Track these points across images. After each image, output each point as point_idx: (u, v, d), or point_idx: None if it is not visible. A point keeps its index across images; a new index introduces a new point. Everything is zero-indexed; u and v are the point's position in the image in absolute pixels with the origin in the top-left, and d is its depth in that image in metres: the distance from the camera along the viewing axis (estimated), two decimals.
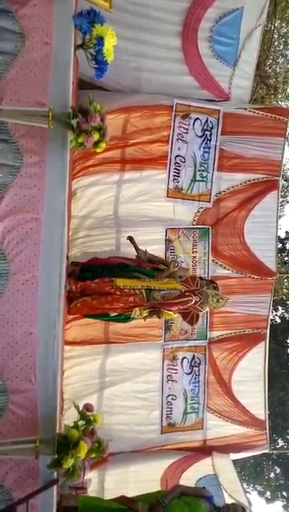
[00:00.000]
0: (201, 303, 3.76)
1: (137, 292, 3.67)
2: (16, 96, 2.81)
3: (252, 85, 5.28)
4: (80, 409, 2.80)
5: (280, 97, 7.58)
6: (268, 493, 12.00)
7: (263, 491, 12.08)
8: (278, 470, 11.91)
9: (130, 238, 4.28)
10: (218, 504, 3.31)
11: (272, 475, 12.03)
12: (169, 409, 4.97)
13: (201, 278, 4.33)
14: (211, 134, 4.97)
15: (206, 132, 4.97)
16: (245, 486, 10.97)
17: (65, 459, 2.52)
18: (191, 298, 3.70)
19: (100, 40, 2.78)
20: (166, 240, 5.05)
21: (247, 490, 11.39)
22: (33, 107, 2.80)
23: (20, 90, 2.82)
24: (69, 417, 3.42)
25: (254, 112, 4.99)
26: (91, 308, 3.67)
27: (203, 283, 4.14)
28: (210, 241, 5.15)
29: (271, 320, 5.66)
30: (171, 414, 5.03)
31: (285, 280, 9.04)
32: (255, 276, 5.21)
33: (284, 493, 11.80)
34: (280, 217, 5.43)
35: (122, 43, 3.70)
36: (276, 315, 10.92)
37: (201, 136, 4.97)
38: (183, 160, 4.96)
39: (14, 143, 2.82)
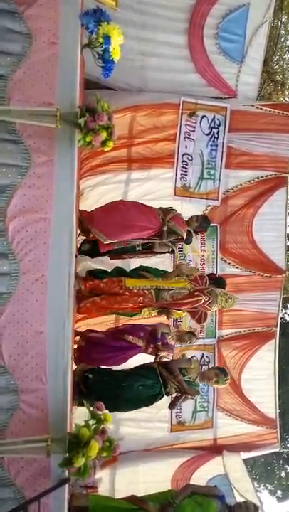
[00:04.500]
0: (210, 302, 3.74)
1: (146, 292, 3.66)
2: (24, 96, 2.82)
3: (259, 82, 5.24)
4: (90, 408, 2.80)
5: (287, 93, 7.52)
6: (279, 492, 11.95)
7: (274, 490, 12.02)
8: None
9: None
10: (230, 503, 3.29)
11: (283, 474, 11.97)
12: (178, 408, 4.96)
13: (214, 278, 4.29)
14: (218, 131, 4.95)
15: (213, 130, 4.95)
16: (255, 485, 10.89)
17: (76, 457, 2.52)
18: (200, 297, 3.68)
19: (107, 39, 2.77)
20: None
21: (258, 489, 11.31)
22: (41, 107, 2.80)
23: (28, 91, 2.83)
24: (79, 416, 3.43)
25: (261, 109, 4.96)
26: (100, 308, 3.67)
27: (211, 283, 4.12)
28: (218, 239, 5.13)
29: (281, 318, 5.62)
30: (180, 412, 5.03)
31: None
32: (265, 274, 5.18)
33: None
34: (288, 215, 5.40)
35: (128, 41, 3.69)
36: (286, 313, 10.86)
37: (208, 134, 4.96)
38: (190, 158, 4.94)
39: (22, 143, 2.82)
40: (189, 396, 3.82)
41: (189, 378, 3.75)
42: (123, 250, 4.22)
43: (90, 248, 4.10)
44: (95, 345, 3.88)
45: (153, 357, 4.01)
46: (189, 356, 4.81)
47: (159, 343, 3.94)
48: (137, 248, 4.23)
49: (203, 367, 5.15)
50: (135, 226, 3.94)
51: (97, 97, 2.85)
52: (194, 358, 4.93)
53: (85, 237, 4.05)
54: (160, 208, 4.19)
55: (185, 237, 4.17)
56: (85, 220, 3.85)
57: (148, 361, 3.96)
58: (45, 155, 2.87)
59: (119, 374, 3.78)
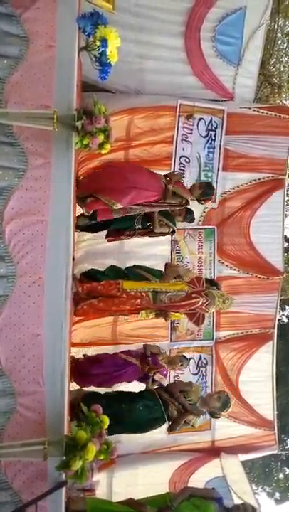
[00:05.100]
0: (207, 304, 3.75)
1: (144, 295, 3.66)
2: (21, 99, 2.82)
3: (256, 84, 5.26)
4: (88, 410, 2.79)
5: (284, 95, 7.55)
6: (277, 494, 11.93)
7: (272, 492, 12.01)
8: (287, 471, 11.84)
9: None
10: (228, 506, 3.29)
11: (281, 476, 11.95)
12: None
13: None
14: (215, 134, 4.96)
15: (210, 132, 4.97)
16: (253, 487, 10.88)
17: (74, 460, 2.51)
18: (198, 299, 3.69)
19: (104, 42, 2.79)
20: (171, 240, 5.05)
21: (256, 491, 11.30)
22: (38, 109, 2.81)
23: (25, 93, 2.83)
24: None
25: (258, 111, 4.98)
26: (97, 311, 3.68)
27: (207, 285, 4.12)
28: (216, 241, 5.14)
29: (278, 320, 5.63)
30: None
31: None
32: (262, 276, 5.19)
33: None
34: (286, 216, 5.42)
35: (126, 44, 3.71)
36: (283, 314, 10.87)
37: (205, 137, 4.97)
38: (187, 160, 4.95)
39: (19, 146, 2.83)
40: (190, 418, 3.71)
41: (190, 401, 3.70)
42: (122, 227, 4.13)
43: (90, 221, 3.98)
44: (93, 362, 3.93)
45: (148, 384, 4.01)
46: (187, 357, 4.81)
47: (149, 359, 3.94)
48: (137, 226, 4.16)
49: (201, 369, 5.16)
50: (137, 189, 3.79)
51: (94, 99, 2.86)
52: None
53: (83, 213, 3.95)
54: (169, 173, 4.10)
55: (189, 201, 4.03)
56: (87, 186, 3.73)
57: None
58: (42, 157, 2.87)
59: (118, 397, 3.74)
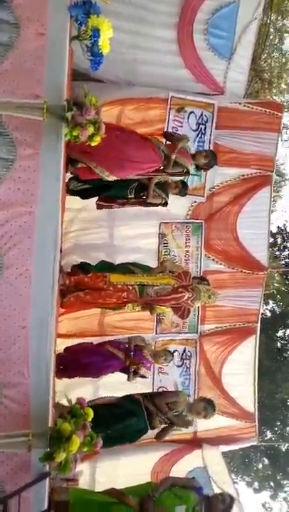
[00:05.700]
0: (193, 299, 3.79)
1: (130, 288, 3.68)
2: (10, 88, 2.77)
3: (247, 79, 5.26)
4: (73, 402, 2.81)
5: (274, 91, 7.58)
6: (256, 484, 12.19)
7: (251, 482, 12.27)
8: (266, 461, 12.09)
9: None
10: (208, 495, 3.36)
11: (260, 466, 12.21)
12: None
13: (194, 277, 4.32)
14: (205, 127, 4.96)
15: (200, 126, 4.96)
16: (233, 476, 11.11)
17: (58, 452, 2.53)
18: (183, 294, 3.73)
19: (96, 32, 2.75)
20: (159, 234, 5.06)
21: (235, 480, 11.53)
22: (28, 99, 2.76)
23: (15, 82, 2.78)
24: None
25: (249, 107, 4.99)
26: (84, 303, 3.68)
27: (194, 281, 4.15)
28: (203, 236, 5.17)
29: (261, 314, 5.71)
30: None
31: (276, 274, 9.10)
32: (247, 271, 5.24)
33: (271, 484, 12.01)
34: (272, 212, 5.47)
35: (118, 34, 3.63)
36: (266, 309, 11.01)
37: (195, 130, 4.96)
38: None
39: (8, 135, 2.78)
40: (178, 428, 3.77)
41: (176, 412, 3.71)
42: (116, 195, 4.04)
43: (83, 184, 3.87)
44: (75, 353, 3.93)
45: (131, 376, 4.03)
46: (172, 350, 4.86)
47: (132, 353, 3.96)
48: (130, 196, 4.08)
49: (185, 361, 5.22)
50: (132, 162, 3.66)
51: (85, 90, 2.82)
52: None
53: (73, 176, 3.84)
54: (172, 133, 4.00)
55: (190, 170, 3.94)
56: (78, 154, 3.46)
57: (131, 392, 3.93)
58: (32, 148, 2.83)
59: (103, 415, 3.60)
